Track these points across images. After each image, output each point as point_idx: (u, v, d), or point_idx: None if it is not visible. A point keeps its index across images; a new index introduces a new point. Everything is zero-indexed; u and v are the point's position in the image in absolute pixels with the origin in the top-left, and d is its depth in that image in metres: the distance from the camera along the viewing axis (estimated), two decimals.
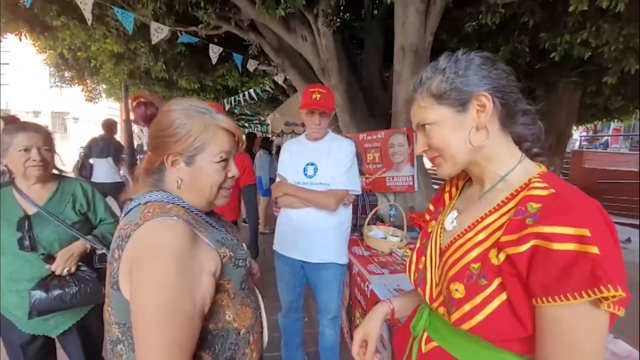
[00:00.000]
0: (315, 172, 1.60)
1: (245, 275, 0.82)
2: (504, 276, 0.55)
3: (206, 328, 0.73)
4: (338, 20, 3.27)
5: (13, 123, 1.35)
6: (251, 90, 6.06)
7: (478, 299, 0.57)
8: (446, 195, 0.81)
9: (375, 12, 4.45)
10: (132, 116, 0.83)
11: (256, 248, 2.13)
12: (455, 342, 0.65)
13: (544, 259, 0.51)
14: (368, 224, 2.27)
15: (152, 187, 0.79)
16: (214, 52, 4.07)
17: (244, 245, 0.98)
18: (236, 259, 0.78)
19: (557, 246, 0.49)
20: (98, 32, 3.92)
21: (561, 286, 0.49)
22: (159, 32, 3.47)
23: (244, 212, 2.36)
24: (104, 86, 7.81)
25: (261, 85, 5.92)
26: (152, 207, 0.71)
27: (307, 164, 1.62)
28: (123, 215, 0.77)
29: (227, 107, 7.39)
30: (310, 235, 1.58)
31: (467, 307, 0.58)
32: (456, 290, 0.60)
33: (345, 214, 1.65)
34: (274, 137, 6.52)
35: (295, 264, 1.64)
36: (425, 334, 0.72)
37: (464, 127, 0.64)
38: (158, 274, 0.63)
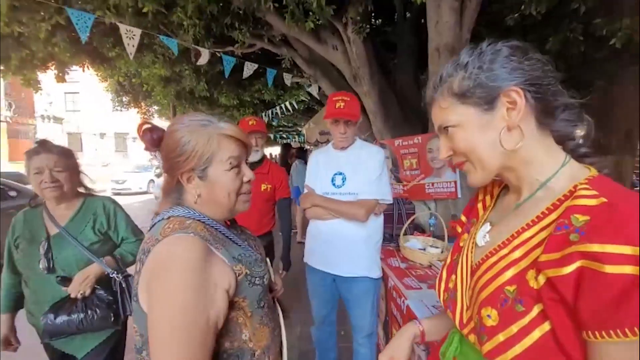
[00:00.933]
0: (343, 181, 1.56)
1: (263, 293, 0.80)
2: (546, 303, 0.47)
3: (222, 346, 0.73)
4: (367, 27, 3.24)
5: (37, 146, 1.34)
6: (287, 103, 6.22)
7: (514, 328, 0.48)
8: (479, 205, 0.72)
9: (408, 14, 4.35)
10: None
11: (289, 260, 2.14)
12: None
13: (594, 284, 0.42)
14: (404, 234, 2.16)
15: (173, 204, 0.81)
16: (249, 68, 4.25)
17: (268, 261, 0.96)
18: (252, 276, 0.77)
19: (610, 269, 0.40)
20: (147, 58, 4.29)
21: (617, 319, 0.40)
22: (201, 55, 3.72)
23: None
24: (156, 107, 8.53)
25: (295, 97, 6.05)
26: (172, 223, 0.73)
27: (335, 174, 1.58)
28: (149, 229, 0.79)
29: (266, 119, 7.67)
30: (340, 248, 1.53)
31: (501, 337, 0.49)
32: (488, 316, 0.52)
33: (375, 225, 1.58)
34: (310, 147, 6.60)
35: (326, 277, 1.59)
36: None
37: (492, 128, 0.56)
38: (171, 290, 0.64)
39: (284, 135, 13.91)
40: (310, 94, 5.74)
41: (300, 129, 11.78)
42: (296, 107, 6.58)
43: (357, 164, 1.55)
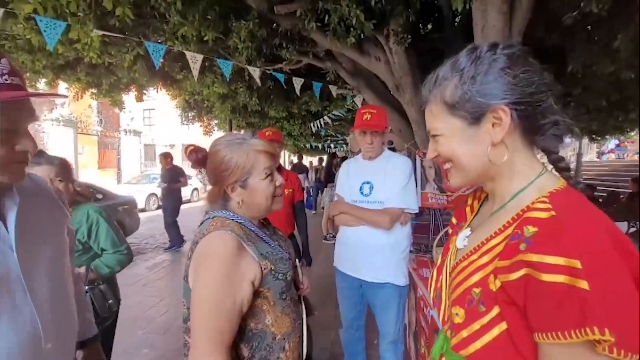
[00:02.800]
0: (371, 190, 1.63)
1: (286, 287, 0.93)
2: (501, 304, 0.51)
3: (248, 325, 0.87)
4: (409, 37, 3.26)
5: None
6: (335, 112, 6.42)
7: (476, 325, 0.54)
8: (468, 209, 0.76)
9: (457, 19, 4.24)
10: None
11: (309, 256, 2.34)
12: None
13: (535, 291, 0.46)
14: (439, 245, 2.12)
15: (220, 208, 0.98)
16: (297, 83, 4.52)
17: (297, 262, 1.10)
18: (276, 272, 0.90)
19: (546, 277, 0.45)
20: (208, 79, 4.81)
21: (555, 323, 0.44)
22: (254, 73, 4.09)
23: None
24: (216, 121, 9.39)
25: (341, 107, 6.22)
26: (216, 222, 0.89)
27: (364, 183, 1.66)
28: (199, 224, 0.97)
29: (314, 129, 7.95)
30: (366, 254, 1.59)
31: (464, 333, 0.55)
32: (456, 314, 0.57)
33: (402, 233, 1.61)
34: (354, 156, 6.64)
35: (353, 281, 1.66)
36: None
37: (476, 141, 0.59)
38: (209, 275, 0.80)
39: (332, 145, 14.17)
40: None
41: (347, 138, 11.89)
42: (345, 115, 6.73)
43: (384, 173, 1.61)
